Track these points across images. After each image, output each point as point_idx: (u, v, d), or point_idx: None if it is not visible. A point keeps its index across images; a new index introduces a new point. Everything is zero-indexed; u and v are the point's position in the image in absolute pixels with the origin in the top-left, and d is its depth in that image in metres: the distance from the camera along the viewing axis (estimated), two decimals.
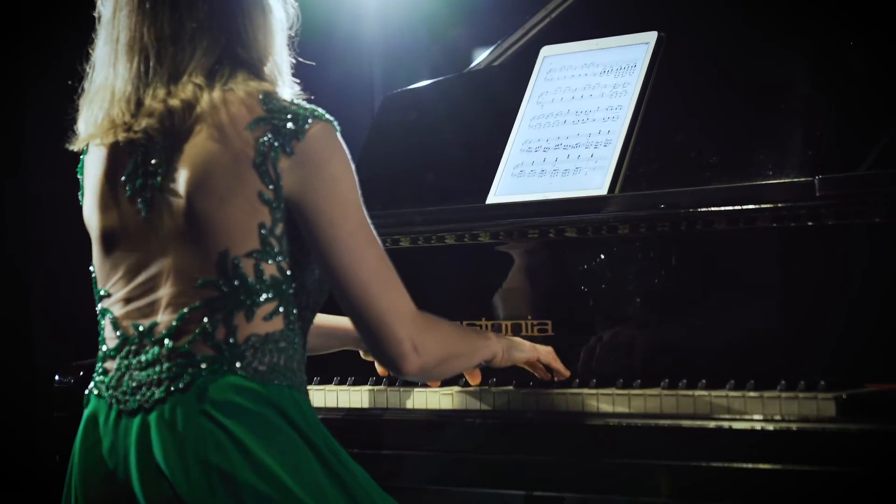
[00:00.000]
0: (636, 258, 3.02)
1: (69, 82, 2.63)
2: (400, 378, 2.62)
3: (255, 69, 2.52)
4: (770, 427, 2.63)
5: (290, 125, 2.46)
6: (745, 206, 2.88)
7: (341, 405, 3.16)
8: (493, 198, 3.29)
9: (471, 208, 3.27)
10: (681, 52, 3.26)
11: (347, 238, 2.49)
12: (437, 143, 3.54)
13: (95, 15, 2.60)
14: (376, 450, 3.04)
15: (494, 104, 3.50)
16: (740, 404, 2.71)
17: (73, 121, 2.60)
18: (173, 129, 2.48)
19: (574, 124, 3.30)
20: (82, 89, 2.59)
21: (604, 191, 3.14)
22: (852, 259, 2.79)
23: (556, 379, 2.97)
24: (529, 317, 3.11)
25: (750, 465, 2.62)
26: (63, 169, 2.85)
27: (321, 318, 2.75)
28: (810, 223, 2.82)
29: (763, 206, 2.87)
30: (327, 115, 2.51)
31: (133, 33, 2.51)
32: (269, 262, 2.47)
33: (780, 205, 2.85)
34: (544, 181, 3.26)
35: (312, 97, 2.57)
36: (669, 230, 2.98)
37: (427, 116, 3.62)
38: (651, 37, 3.30)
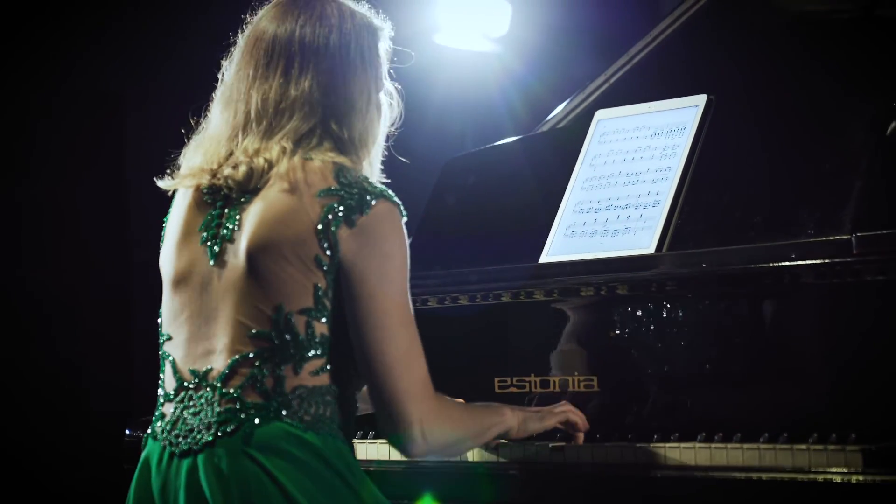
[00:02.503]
0: (681, 315, 3.07)
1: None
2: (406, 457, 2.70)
3: (342, 145, 2.65)
4: (800, 478, 2.67)
5: (357, 199, 2.58)
6: (784, 263, 2.93)
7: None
8: (546, 257, 3.37)
9: (522, 267, 3.36)
10: (728, 115, 3.32)
11: (383, 314, 2.58)
12: (495, 205, 3.63)
13: (219, 75, 2.78)
14: None
15: (552, 167, 3.58)
16: (771, 457, 2.74)
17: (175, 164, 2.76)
18: (250, 186, 2.62)
19: (625, 185, 3.37)
20: (191, 139, 2.76)
21: (651, 250, 3.20)
22: (887, 314, 2.81)
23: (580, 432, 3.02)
24: (576, 373, 3.18)
25: None
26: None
27: None
28: (849, 280, 2.86)
29: (802, 262, 2.92)
30: (395, 198, 2.62)
31: (242, 92, 2.68)
32: (322, 320, 2.58)
33: (822, 261, 2.89)
34: (595, 241, 3.33)
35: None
36: (715, 288, 3.03)
37: (486, 179, 3.71)
38: (700, 100, 3.37)
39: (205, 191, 2.68)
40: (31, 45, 5.37)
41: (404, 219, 2.63)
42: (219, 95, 2.74)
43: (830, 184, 3.10)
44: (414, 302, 3.38)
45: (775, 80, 3.61)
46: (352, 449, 2.65)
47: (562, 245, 3.38)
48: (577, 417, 3.00)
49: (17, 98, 5.33)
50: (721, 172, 3.27)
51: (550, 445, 3.04)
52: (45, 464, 5.38)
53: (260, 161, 2.61)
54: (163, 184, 2.75)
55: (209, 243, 2.64)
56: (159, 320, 2.74)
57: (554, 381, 3.21)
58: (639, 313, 3.12)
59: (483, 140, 4.33)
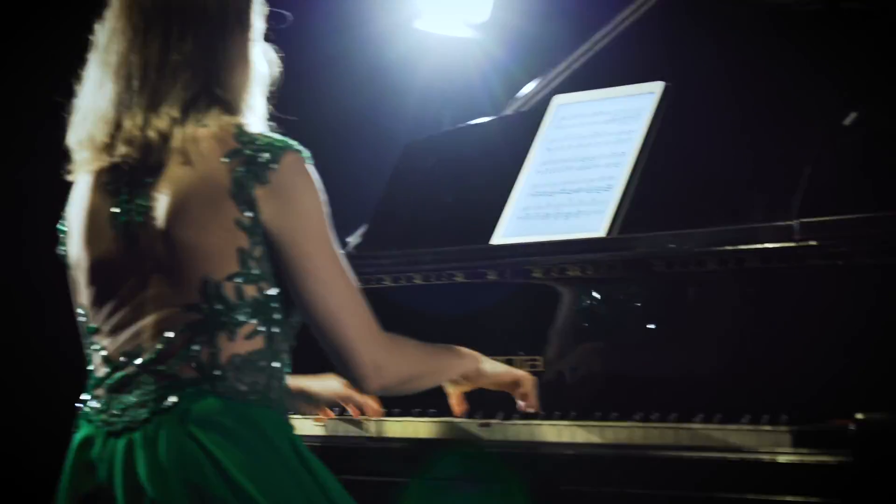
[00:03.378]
0: (628, 298, 3.12)
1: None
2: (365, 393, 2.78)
3: (229, 106, 2.67)
4: (731, 457, 2.72)
5: (263, 155, 2.60)
6: (728, 248, 2.98)
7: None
8: (498, 239, 3.41)
9: (475, 248, 3.40)
10: (684, 102, 3.36)
11: (318, 270, 2.62)
12: (452, 188, 3.67)
13: (92, 39, 2.73)
14: None
15: (511, 150, 3.62)
16: (704, 436, 2.79)
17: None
18: (151, 163, 2.62)
19: (579, 170, 3.41)
20: (71, 109, 2.72)
21: (602, 233, 3.24)
22: (827, 299, 2.86)
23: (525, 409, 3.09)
24: (521, 353, 3.22)
25: (704, 495, 2.71)
26: None
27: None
28: (791, 265, 2.90)
29: (746, 247, 2.97)
30: (298, 146, 2.64)
31: (121, 58, 2.66)
32: (250, 283, 2.60)
33: (766, 246, 2.94)
34: (548, 223, 3.37)
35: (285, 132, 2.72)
36: (663, 270, 3.08)
37: (446, 162, 3.75)
38: (658, 87, 3.41)
39: (106, 178, 2.66)
40: None
41: (311, 163, 2.64)
42: (94, 62, 2.70)
43: (781, 171, 3.14)
44: (368, 281, 3.45)
45: (734, 69, 3.65)
46: (286, 417, 2.68)
47: (515, 227, 3.42)
48: (533, 398, 3.08)
49: None
50: (675, 159, 3.31)
51: (479, 423, 3.12)
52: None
53: (152, 134, 2.60)
54: (71, 175, 2.73)
55: (122, 230, 2.63)
56: (80, 315, 2.72)
57: (500, 361, 3.24)
58: (587, 295, 3.16)
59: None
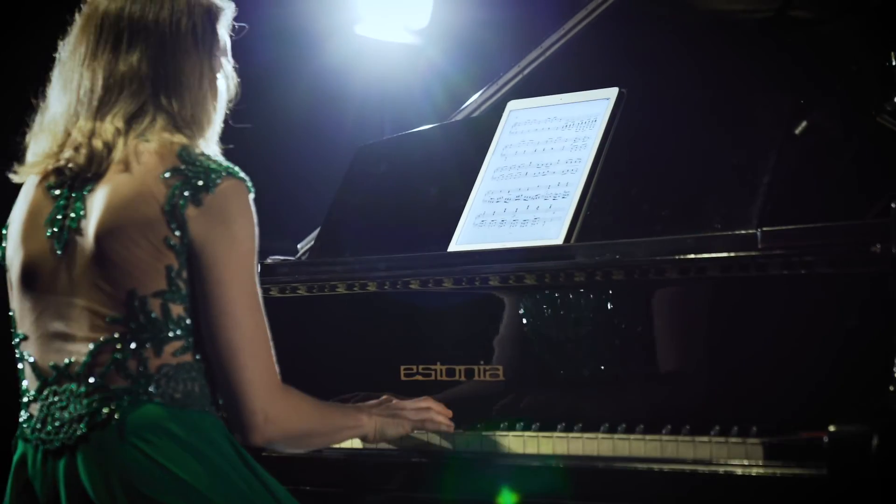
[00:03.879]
0: (585, 306, 3.07)
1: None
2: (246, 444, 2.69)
3: (174, 121, 2.62)
4: (701, 469, 2.68)
5: (201, 178, 2.55)
6: (690, 256, 2.94)
7: None
8: (455, 246, 3.36)
9: (430, 256, 3.34)
10: (639, 108, 3.33)
11: (229, 301, 2.55)
12: (406, 193, 3.62)
13: (56, 56, 2.72)
14: None
15: (463, 156, 3.57)
16: (672, 448, 2.75)
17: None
18: (91, 172, 2.59)
19: (535, 177, 3.37)
20: (33, 123, 2.70)
21: (560, 240, 3.20)
22: (792, 309, 2.84)
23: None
24: (482, 362, 3.17)
25: None
26: None
27: None
28: (754, 273, 2.87)
29: (709, 255, 2.92)
30: (241, 174, 2.59)
31: (75, 70, 2.64)
32: (177, 302, 2.55)
33: (725, 255, 2.90)
34: (504, 231, 3.32)
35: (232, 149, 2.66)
36: (621, 278, 3.03)
37: (397, 168, 3.69)
38: (612, 93, 3.37)
39: (50, 182, 2.63)
40: None
41: (251, 194, 2.59)
42: (55, 75, 2.70)
43: (738, 179, 3.11)
44: (322, 288, 3.39)
45: (687, 75, 3.62)
46: (222, 421, 2.61)
47: (471, 234, 3.37)
48: (438, 419, 3.01)
49: None
50: (631, 165, 3.27)
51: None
52: None
53: (97, 143, 2.57)
54: (16, 178, 2.70)
55: (56, 235, 2.59)
56: (12, 318, 2.68)
57: (459, 371, 3.20)
58: (546, 304, 3.12)
59: (403, 131, 4.31)
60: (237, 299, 2.55)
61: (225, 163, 2.60)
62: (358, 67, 6.22)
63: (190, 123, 2.63)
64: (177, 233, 2.53)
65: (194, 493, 2.47)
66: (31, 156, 2.68)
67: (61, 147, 2.61)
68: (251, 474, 2.55)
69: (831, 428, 2.53)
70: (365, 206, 3.66)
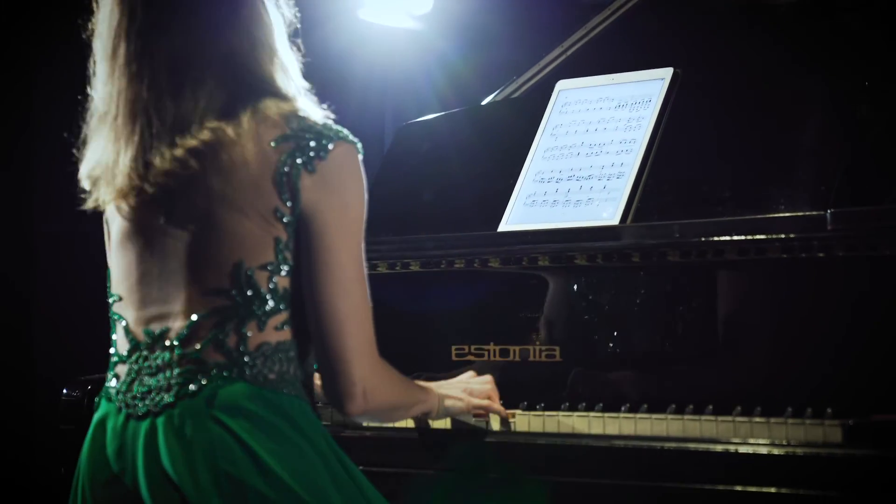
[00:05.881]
0: (644, 287, 3.04)
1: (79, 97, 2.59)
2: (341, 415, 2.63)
3: (270, 91, 2.50)
4: (776, 451, 2.64)
5: (313, 143, 2.46)
6: (755, 237, 2.91)
7: None
8: (505, 226, 3.31)
9: (481, 235, 3.30)
10: (696, 89, 3.30)
11: (339, 268, 2.48)
12: (449, 173, 3.57)
13: (89, 74, 2.56)
14: None
15: (508, 136, 3.53)
16: (746, 429, 2.71)
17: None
18: (189, 166, 2.45)
19: (587, 156, 3.33)
20: (83, 135, 2.56)
21: (615, 221, 3.16)
22: (862, 291, 2.81)
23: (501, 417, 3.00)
24: (538, 342, 3.13)
25: (754, 489, 2.63)
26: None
27: None
28: (821, 255, 2.84)
29: (773, 236, 2.89)
30: (351, 137, 2.51)
31: (130, 95, 2.47)
32: (283, 274, 2.48)
33: (791, 236, 2.87)
34: (556, 211, 3.28)
35: (335, 116, 2.57)
36: (678, 260, 3.00)
37: (441, 147, 3.65)
38: (667, 73, 3.34)
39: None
40: None
41: (361, 156, 2.52)
42: (100, 63, 2.52)
43: (802, 161, 3.09)
44: (373, 267, 3.33)
45: (746, 54, 3.58)
46: (314, 409, 2.56)
47: (522, 214, 3.33)
48: (497, 408, 2.98)
49: None
50: (687, 147, 3.24)
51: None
52: None
53: (180, 152, 2.43)
54: (88, 205, 2.56)
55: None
56: (107, 276, 2.61)
57: (514, 351, 3.15)
58: (603, 284, 3.08)
59: (404, 118, 4.27)
60: (347, 267, 2.48)
61: (334, 126, 2.51)
62: (360, 52, 6.16)
63: (291, 90, 2.52)
64: (288, 203, 2.45)
65: (275, 478, 2.40)
66: (90, 183, 2.53)
67: (142, 179, 2.46)
68: (336, 461, 2.48)
69: None
70: (407, 186, 3.61)
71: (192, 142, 2.44)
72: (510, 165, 3.42)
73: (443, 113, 3.77)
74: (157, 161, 2.46)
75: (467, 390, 2.95)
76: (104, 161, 2.50)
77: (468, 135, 3.62)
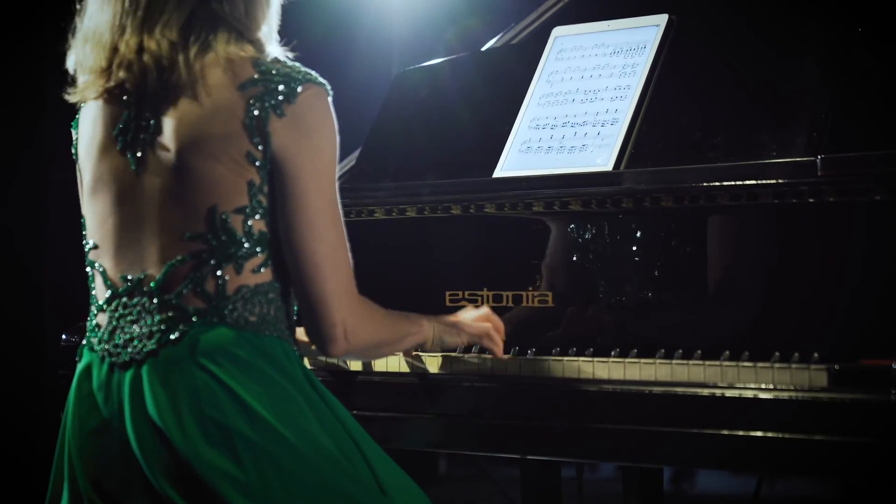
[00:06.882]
0: (637, 233, 3.05)
1: None
2: (325, 356, 2.64)
3: (234, 27, 2.51)
4: (763, 395, 2.66)
5: (282, 87, 2.47)
6: (746, 182, 2.92)
7: None
8: (500, 172, 3.33)
9: (476, 181, 3.31)
10: (690, 36, 3.29)
11: (314, 212, 2.50)
12: (447, 119, 3.57)
13: None
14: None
15: (506, 83, 3.53)
16: (733, 374, 2.73)
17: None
18: (156, 87, 2.49)
19: (582, 103, 3.33)
20: (74, 29, 2.59)
21: (609, 167, 3.17)
22: (851, 237, 2.82)
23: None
24: (530, 288, 3.14)
25: (741, 433, 2.65)
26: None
27: None
28: (811, 200, 2.85)
29: (765, 182, 2.90)
30: (320, 79, 2.51)
31: None
32: (258, 217, 2.50)
33: (781, 181, 2.88)
34: (551, 157, 3.29)
35: (298, 55, 2.58)
36: (671, 206, 3.01)
37: (439, 93, 3.65)
38: (661, 19, 3.33)
39: (112, 98, 2.54)
40: None
41: (330, 97, 2.52)
42: None
43: (793, 108, 3.08)
44: (360, 213, 3.35)
45: (735, 2, 3.57)
46: (295, 347, 2.58)
47: (517, 160, 3.34)
48: (493, 343, 2.97)
49: None
50: (681, 93, 3.24)
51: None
52: None
53: (147, 59, 2.47)
54: (71, 98, 2.60)
55: (129, 149, 2.52)
56: (82, 224, 2.63)
57: (507, 296, 3.17)
58: (595, 230, 3.09)
59: (410, 63, 4.26)
60: (321, 210, 2.50)
61: (302, 68, 2.51)
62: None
63: (248, 25, 2.52)
64: (259, 147, 2.47)
65: (261, 421, 2.42)
66: (78, 69, 2.58)
67: (110, 63, 2.52)
68: (322, 402, 2.51)
69: None
70: (405, 132, 3.61)
71: (154, 48, 2.46)
72: (507, 112, 3.42)
73: (442, 59, 3.77)
74: (122, 47, 2.50)
75: (465, 322, 2.96)
76: (91, 31, 2.54)
77: (466, 81, 3.63)
